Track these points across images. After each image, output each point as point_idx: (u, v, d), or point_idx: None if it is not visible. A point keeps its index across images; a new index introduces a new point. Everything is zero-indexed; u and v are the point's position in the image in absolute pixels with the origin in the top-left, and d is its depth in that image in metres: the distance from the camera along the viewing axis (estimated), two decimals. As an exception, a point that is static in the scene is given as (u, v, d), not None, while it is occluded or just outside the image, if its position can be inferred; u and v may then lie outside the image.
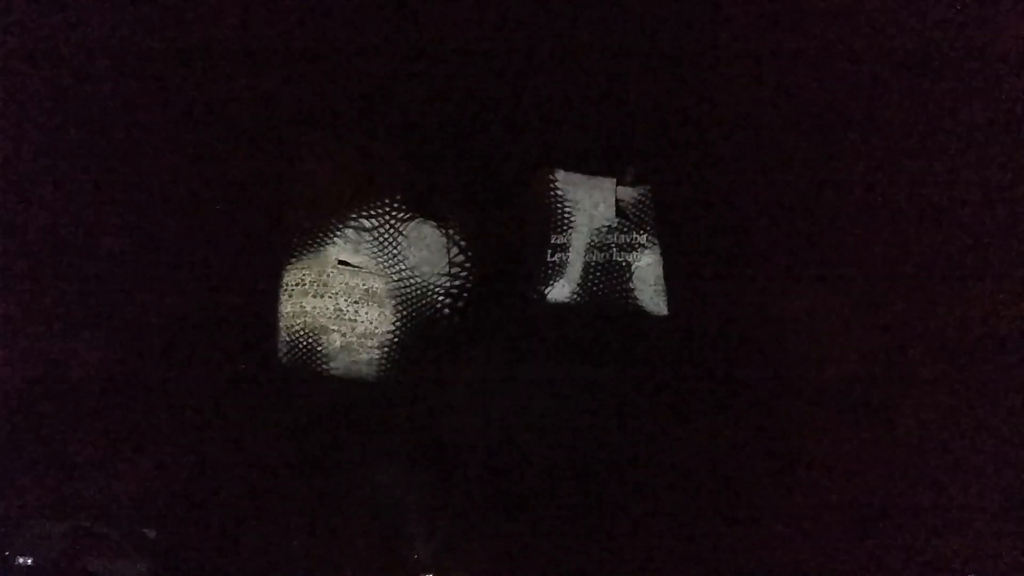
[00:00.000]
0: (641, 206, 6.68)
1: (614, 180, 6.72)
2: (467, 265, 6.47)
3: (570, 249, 6.48)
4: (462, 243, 6.54)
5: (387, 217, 6.24)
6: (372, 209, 6.28)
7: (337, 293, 6.20)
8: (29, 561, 5.18)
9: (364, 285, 6.21)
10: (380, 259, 6.27)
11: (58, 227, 5.53)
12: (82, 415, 5.28)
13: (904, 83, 6.13)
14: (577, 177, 6.68)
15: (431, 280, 6.40)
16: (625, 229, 6.63)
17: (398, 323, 6.21)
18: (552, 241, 6.48)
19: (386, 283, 6.23)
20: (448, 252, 6.55)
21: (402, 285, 6.28)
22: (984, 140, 5.72)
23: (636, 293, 6.57)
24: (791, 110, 6.35)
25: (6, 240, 5.32)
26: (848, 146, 6.24)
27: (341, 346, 6.08)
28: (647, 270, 6.55)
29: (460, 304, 6.41)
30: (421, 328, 6.34)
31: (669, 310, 6.61)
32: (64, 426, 5.26)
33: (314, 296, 6.19)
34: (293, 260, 6.12)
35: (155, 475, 5.16)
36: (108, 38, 5.84)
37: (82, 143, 5.54)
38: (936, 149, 5.86)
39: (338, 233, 6.15)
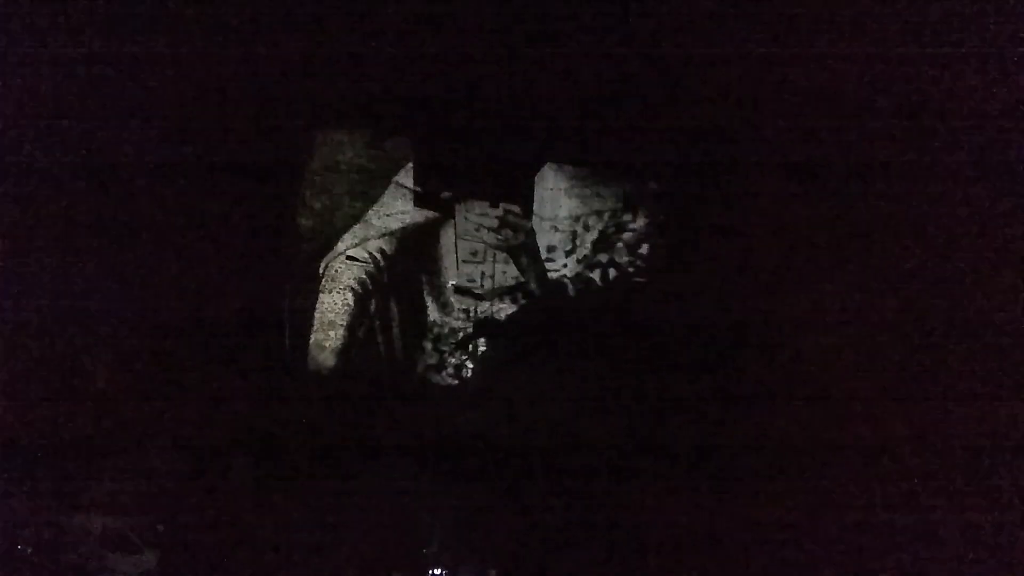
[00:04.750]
0: (651, 201, 6.87)
1: (625, 178, 6.87)
2: (474, 261, 6.62)
3: (579, 245, 6.65)
4: (469, 239, 6.72)
5: (396, 214, 6.43)
6: (381, 206, 6.59)
7: (345, 288, 6.27)
8: (35, 553, 5.29)
9: (373, 281, 6.38)
10: (389, 254, 6.50)
11: (59, 226, 5.59)
12: (89, 410, 5.37)
13: (907, 84, 6.23)
14: (587, 173, 6.85)
15: (438, 275, 6.55)
16: (635, 225, 6.84)
17: (406, 318, 6.33)
18: (560, 238, 6.70)
19: (394, 278, 6.39)
20: (456, 248, 6.70)
21: (410, 280, 6.40)
22: (997, 133, 5.83)
23: (642, 289, 6.74)
24: (796, 108, 6.47)
25: (7, 240, 5.34)
26: (852, 141, 6.34)
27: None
28: (655, 264, 6.67)
29: (466, 299, 6.52)
30: (428, 323, 6.58)
31: (673, 307, 6.71)
32: (70, 421, 5.33)
33: (322, 292, 6.29)
34: (301, 256, 6.25)
35: (162, 469, 5.26)
36: (107, 35, 5.87)
37: (82, 143, 5.55)
38: (945, 144, 5.97)
39: (347, 229, 6.40)
